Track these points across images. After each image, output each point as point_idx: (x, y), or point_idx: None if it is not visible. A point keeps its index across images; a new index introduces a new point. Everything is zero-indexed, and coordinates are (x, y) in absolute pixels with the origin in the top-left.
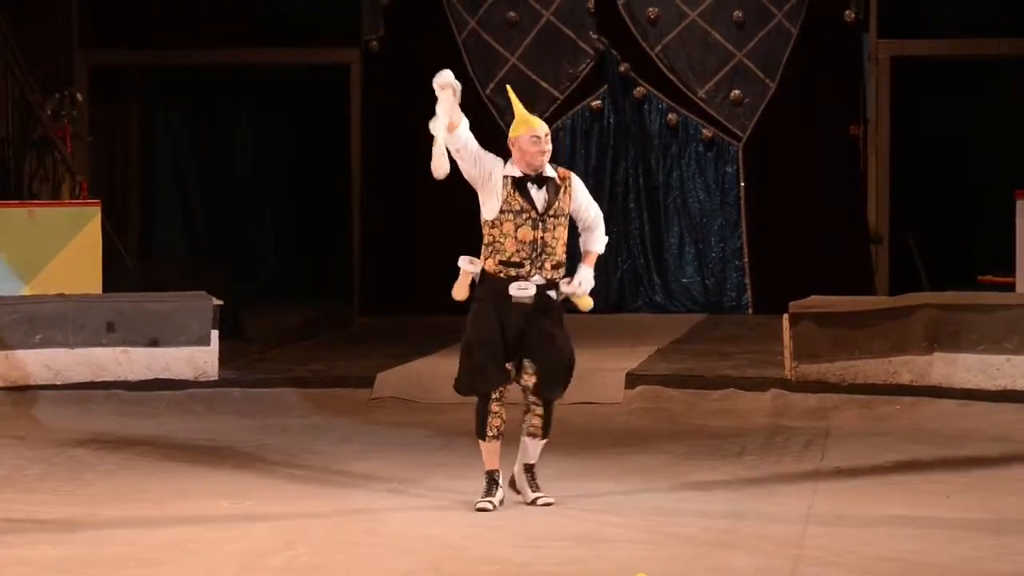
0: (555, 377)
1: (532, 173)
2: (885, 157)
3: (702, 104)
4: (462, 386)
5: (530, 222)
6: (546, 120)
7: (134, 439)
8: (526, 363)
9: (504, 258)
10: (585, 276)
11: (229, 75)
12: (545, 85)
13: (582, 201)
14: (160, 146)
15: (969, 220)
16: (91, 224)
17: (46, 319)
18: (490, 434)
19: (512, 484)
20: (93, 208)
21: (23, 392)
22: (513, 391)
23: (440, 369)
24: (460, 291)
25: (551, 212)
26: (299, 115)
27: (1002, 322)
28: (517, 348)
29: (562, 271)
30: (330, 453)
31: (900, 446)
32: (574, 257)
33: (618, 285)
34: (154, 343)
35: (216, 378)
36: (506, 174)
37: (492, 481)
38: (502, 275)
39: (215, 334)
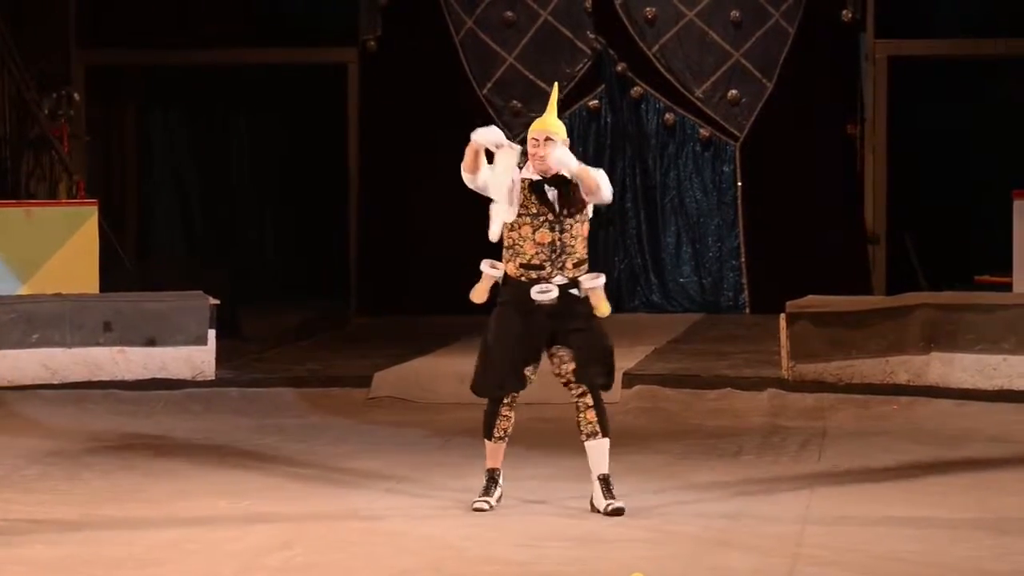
0: (593, 357)
1: (539, 176)
2: (882, 157)
3: (699, 104)
4: (478, 388)
5: (547, 224)
6: None
7: (132, 439)
8: (561, 352)
9: (524, 261)
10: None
11: (226, 75)
12: (542, 85)
13: None
14: (158, 146)
15: (966, 220)
16: (88, 224)
17: (43, 319)
18: (496, 435)
19: (592, 506)
20: (90, 208)
21: (20, 392)
22: (527, 392)
23: (438, 369)
24: (479, 294)
25: (567, 213)
26: (296, 115)
27: (999, 322)
28: (544, 348)
29: (584, 268)
30: (328, 453)
31: (897, 446)
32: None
33: (615, 285)
34: (151, 343)
35: (213, 378)
36: (524, 177)
37: (492, 480)
38: (523, 278)
39: (212, 334)
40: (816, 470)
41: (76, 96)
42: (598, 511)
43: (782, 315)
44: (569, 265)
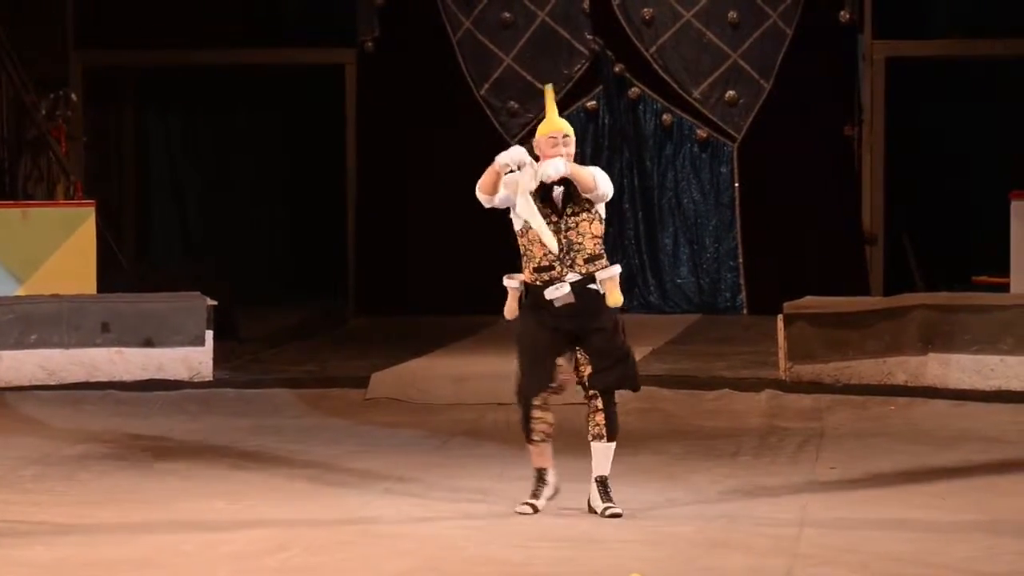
0: (606, 362)
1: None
2: (880, 158)
3: (697, 105)
4: (515, 394)
5: (552, 226)
6: None
7: (129, 439)
8: (580, 355)
9: (535, 265)
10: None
11: (224, 76)
12: (540, 86)
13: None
14: (155, 146)
15: (964, 221)
16: (86, 225)
17: (41, 319)
18: (536, 438)
19: (590, 507)
20: (88, 209)
21: (18, 392)
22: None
23: (435, 369)
24: (510, 311)
25: (571, 212)
26: (294, 116)
27: (997, 323)
28: (569, 347)
29: (600, 263)
30: (325, 453)
31: (895, 447)
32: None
33: None
34: (149, 343)
35: (211, 378)
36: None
37: (539, 479)
38: (538, 282)
39: (210, 334)
40: (814, 471)
41: (74, 97)
42: (595, 512)
43: (780, 316)
44: (580, 262)
